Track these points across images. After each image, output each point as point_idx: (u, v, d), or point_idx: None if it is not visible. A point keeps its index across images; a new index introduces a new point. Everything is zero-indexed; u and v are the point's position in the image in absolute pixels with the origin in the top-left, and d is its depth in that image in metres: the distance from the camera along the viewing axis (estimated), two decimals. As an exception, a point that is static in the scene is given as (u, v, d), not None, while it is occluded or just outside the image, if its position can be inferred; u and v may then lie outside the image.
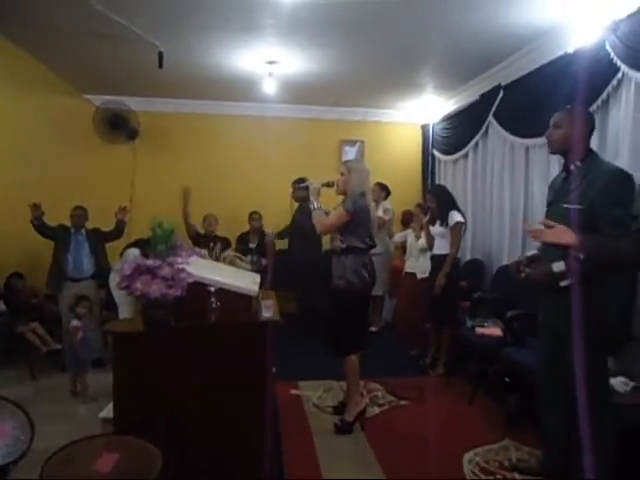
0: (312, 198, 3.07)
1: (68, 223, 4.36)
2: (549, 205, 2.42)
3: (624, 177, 2.11)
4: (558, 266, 2.09)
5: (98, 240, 4.43)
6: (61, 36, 3.80)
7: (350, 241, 2.92)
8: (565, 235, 1.94)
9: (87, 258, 4.32)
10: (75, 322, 3.60)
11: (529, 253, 2.47)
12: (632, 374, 2.38)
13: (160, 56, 3.83)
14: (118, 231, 4.56)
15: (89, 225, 4.45)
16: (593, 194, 2.06)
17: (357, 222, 2.91)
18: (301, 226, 5.03)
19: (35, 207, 4.15)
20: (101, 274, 4.30)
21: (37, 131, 5.34)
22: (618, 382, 2.26)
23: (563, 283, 2.06)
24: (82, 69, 4.74)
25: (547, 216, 2.41)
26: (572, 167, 2.24)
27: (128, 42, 3.77)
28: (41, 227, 4.23)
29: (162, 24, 3.52)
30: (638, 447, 2.10)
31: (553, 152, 2.42)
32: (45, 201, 4.36)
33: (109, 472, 1.46)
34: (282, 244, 5.49)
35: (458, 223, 3.88)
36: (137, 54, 4.04)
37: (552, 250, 2.16)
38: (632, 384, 2.27)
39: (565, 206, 2.15)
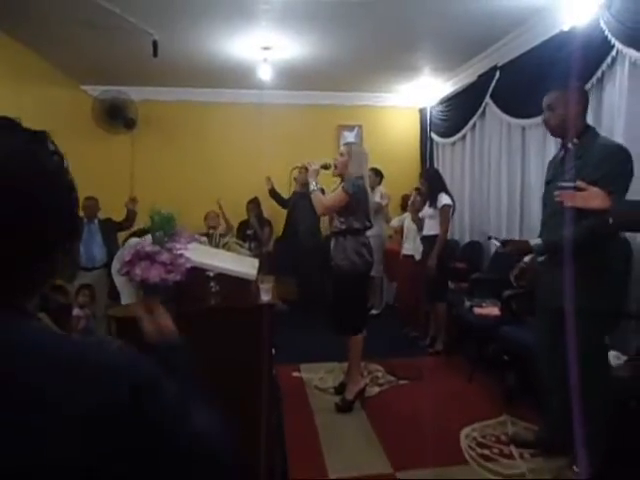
0: (310, 179, 3.07)
1: (80, 213, 4.44)
2: (547, 184, 2.41)
3: (619, 151, 2.09)
4: (535, 241, 2.18)
5: (110, 230, 4.54)
6: (57, 27, 3.81)
7: (349, 222, 2.99)
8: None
9: (99, 248, 4.44)
10: (77, 311, 3.65)
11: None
12: (625, 349, 2.42)
13: (154, 45, 3.82)
14: (129, 221, 4.70)
15: (100, 215, 4.56)
16: (588, 171, 2.04)
17: (356, 203, 2.97)
18: (301, 209, 5.10)
19: None
20: (112, 263, 4.40)
21: (36, 123, 5.31)
22: (611, 356, 2.30)
23: (540, 258, 2.16)
24: (78, 60, 4.74)
25: (545, 195, 2.43)
26: (569, 145, 2.24)
27: (122, 32, 3.78)
28: None
29: (155, 12, 3.51)
30: (629, 416, 2.15)
31: (553, 135, 2.41)
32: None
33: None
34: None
35: (446, 205, 3.99)
36: (132, 43, 4.04)
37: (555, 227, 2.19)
38: (624, 358, 2.32)
39: (560, 184, 2.09)
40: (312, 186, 3.05)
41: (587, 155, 2.12)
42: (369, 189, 3.19)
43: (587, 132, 2.22)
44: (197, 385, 0.79)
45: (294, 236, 5.19)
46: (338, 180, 3.15)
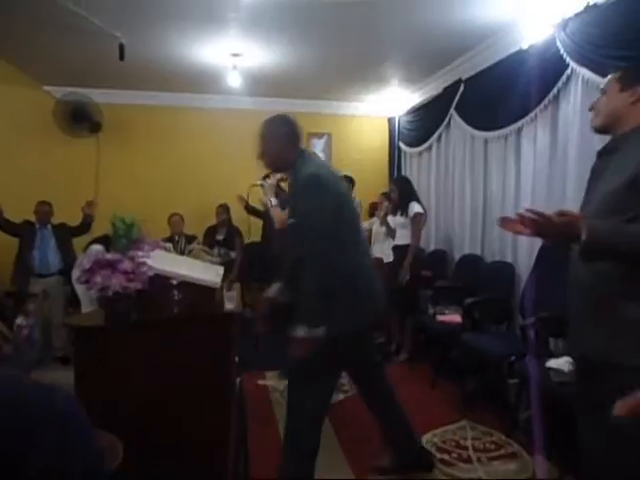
0: (268, 195, 3.11)
1: (32, 218, 4.32)
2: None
3: (310, 179, 1.98)
4: None
5: (65, 235, 4.41)
6: (19, 27, 3.72)
7: None
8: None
9: (53, 254, 4.32)
10: (20, 320, 3.53)
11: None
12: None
13: (121, 48, 3.77)
14: (85, 226, 4.57)
15: (54, 220, 4.41)
16: (295, 205, 2.13)
17: None
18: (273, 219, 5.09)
19: None
20: (68, 270, 4.28)
21: (-5, 124, 5.21)
22: (563, 362, 2.40)
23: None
24: (42, 61, 4.62)
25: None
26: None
27: (89, 33, 3.71)
28: (2, 224, 4.20)
29: (123, 15, 3.47)
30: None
31: (268, 168, 2.38)
32: (5, 197, 4.31)
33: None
34: (254, 236, 5.51)
35: (417, 214, 4.00)
36: (98, 45, 3.97)
37: None
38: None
39: (290, 221, 2.15)
40: (269, 202, 3.11)
41: (294, 187, 2.14)
42: None
43: (297, 161, 2.07)
44: None
45: (267, 244, 5.17)
46: None
